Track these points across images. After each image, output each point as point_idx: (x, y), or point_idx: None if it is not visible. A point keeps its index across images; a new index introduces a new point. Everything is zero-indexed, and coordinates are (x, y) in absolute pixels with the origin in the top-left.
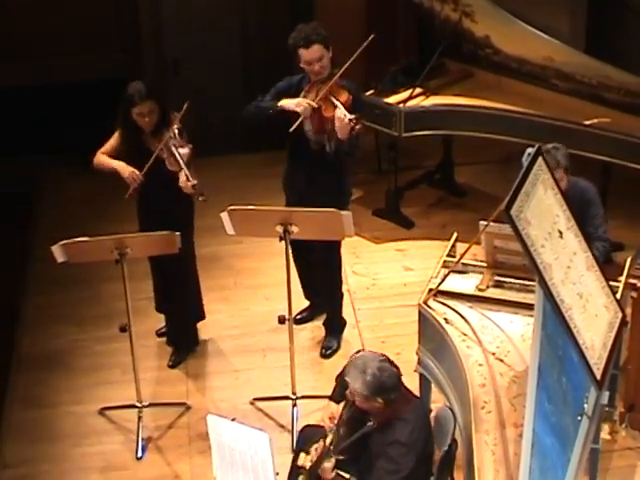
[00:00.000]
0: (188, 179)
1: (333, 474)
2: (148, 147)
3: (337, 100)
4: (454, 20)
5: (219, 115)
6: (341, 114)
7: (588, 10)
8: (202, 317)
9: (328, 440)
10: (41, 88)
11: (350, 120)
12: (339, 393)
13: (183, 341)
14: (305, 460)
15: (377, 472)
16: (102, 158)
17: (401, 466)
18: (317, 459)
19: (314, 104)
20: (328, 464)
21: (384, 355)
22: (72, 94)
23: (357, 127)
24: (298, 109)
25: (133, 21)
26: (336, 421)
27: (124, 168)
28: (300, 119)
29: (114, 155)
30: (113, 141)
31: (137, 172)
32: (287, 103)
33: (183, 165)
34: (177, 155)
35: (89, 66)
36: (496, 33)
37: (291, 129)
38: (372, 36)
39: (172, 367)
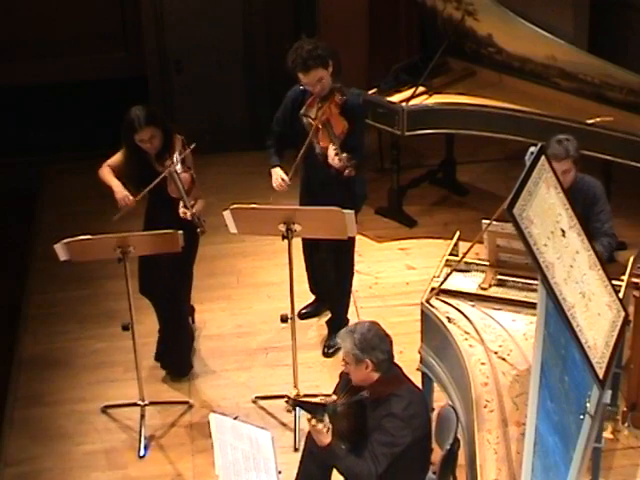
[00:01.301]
0: (187, 208)
1: (329, 437)
2: (153, 168)
3: (333, 131)
4: (457, 18)
5: (222, 113)
6: (333, 152)
7: (591, 9)
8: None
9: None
10: (43, 87)
11: (341, 160)
12: (342, 390)
13: (175, 366)
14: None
15: (371, 445)
16: (105, 172)
17: (396, 439)
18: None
19: (288, 181)
20: (320, 424)
21: (375, 322)
22: (74, 93)
23: (347, 171)
24: (274, 185)
25: (135, 21)
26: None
27: (119, 191)
28: (293, 168)
29: (118, 169)
30: (120, 156)
31: (130, 197)
32: (272, 174)
33: (183, 193)
34: (178, 182)
35: (91, 66)
36: (499, 32)
37: (289, 176)
38: None
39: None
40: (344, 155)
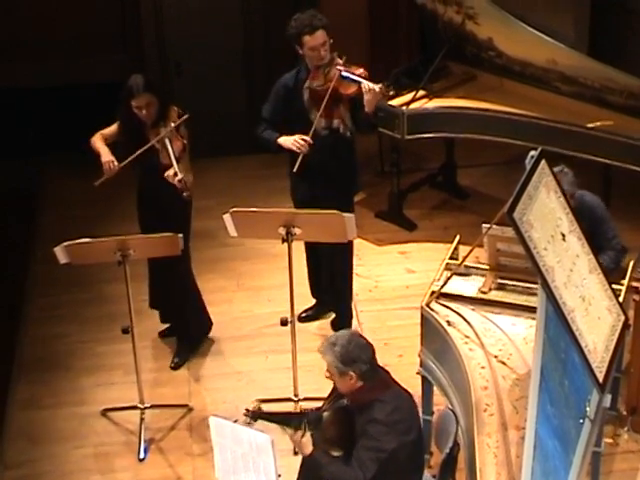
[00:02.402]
0: (176, 174)
1: (308, 446)
2: (146, 139)
3: (355, 74)
4: (457, 22)
5: (221, 116)
6: (369, 85)
7: (591, 13)
8: (198, 313)
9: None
10: (43, 89)
11: (380, 88)
12: (329, 397)
13: (186, 335)
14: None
15: (357, 450)
16: (96, 138)
17: (380, 444)
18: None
19: (309, 140)
20: (298, 433)
21: (356, 331)
22: (74, 95)
23: (391, 93)
24: (294, 147)
25: (135, 23)
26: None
27: (105, 155)
28: (300, 159)
29: (111, 139)
30: (114, 127)
31: (115, 162)
32: (284, 141)
33: (174, 159)
34: (169, 149)
35: (91, 68)
36: (499, 35)
37: (295, 169)
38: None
39: (174, 369)
40: (380, 85)
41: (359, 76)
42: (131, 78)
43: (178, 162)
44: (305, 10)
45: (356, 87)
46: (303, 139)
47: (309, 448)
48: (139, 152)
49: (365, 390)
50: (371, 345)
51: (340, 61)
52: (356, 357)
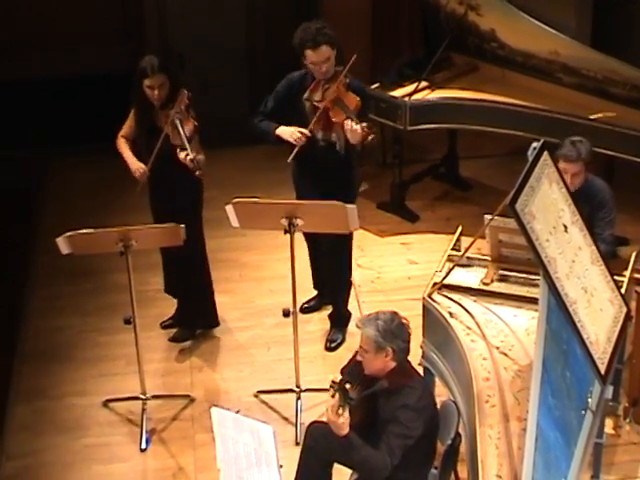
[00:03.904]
0: (187, 154)
1: (347, 426)
2: (158, 125)
3: (347, 106)
4: (460, 13)
5: (224, 107)
6: (352, 125)
7: (594, 4)
8: (210, 299)
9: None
10: (44, 82)
11: (363, 129)
12: (354, 381)
13: (195, 322)
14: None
15: (386, 436)
16: (121, 144)
17: (410, 431)
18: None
19: (307, 133)
20: (341, 419)
21: (396, 312)
22: (76, 88)
23: (371, 137)
24: (291, 139)
25: (138, 16)
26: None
27: (133, 164)
28: (297, 149)
29: (131, 134)
30: (129, 121)
31: (144, 167)
32: (282, 132)
33: (185, 140)
34: (180, 130)
35: (93, 60)
36: (502, 27)
37: (289, 159)
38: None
39: (171, 341)
40: (364, 124)
41: (349, 108)
42: (145, 59)
43: (190, 142)
44: (311, 9)
45: (344, 117)
46: (301, 132)
47: (346, 429)
48: (158, 146)
49: (398, 373)
50: (410, 328)
51: (343, 80)
52: (397, 333)
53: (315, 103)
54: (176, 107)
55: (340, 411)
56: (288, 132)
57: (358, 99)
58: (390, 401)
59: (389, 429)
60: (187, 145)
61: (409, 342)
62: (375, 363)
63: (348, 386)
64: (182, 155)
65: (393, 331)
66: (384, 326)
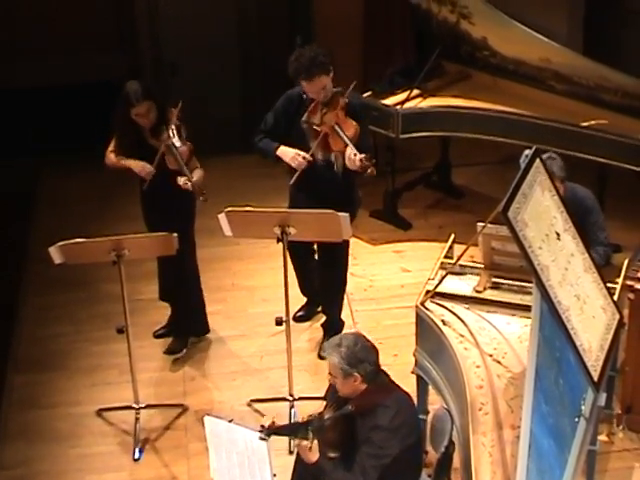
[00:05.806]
0: (188, 179)
1: (315, 454)
2: (148, 143)
3: (346, 135)
4: (451, 22)
5: (217, 115)
6: (352, 154)
7: (586, 12)
8: (203, 307)
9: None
10: (40, 89)
11: (362, 161)
12: (330, 400)
13: (189, 329)
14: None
15: (360, 457)
16: (113, 157)
17: (384, 451)
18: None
19: (309, 158)
20: (305, 442)
21: (360, 333)
22: (70, 95)
23: (369, 170)
24: (293, 164)
25: (130, 24)
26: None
27: (136, 165)
28: (298, 173)
29: (121, 152)
30: (116, 141)
31: (149, 166)
32: (284, 154)
33: (182, 164)
34: (177, 155)
35: (88, 68)
36: (493, 35)
37: (290, 182)
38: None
39: (167, 353)
40: (363, 155)
41: (347, 137)
42: (127, 86)
43: (187, 166)
44: (304, 16)
45: (343, 145)
46: (303, 157)
47: (315, 456)
48: (157, 158)
49: (369, 393)
50: (375, 347)
51: (342, 104)
52: (362, 358)
53: (315, 127)
54: (168, 131)
55: (304, 443)
56: (289, 155)
57: (356, 125)
58: (365, 421)
59: (363, 449)
60: (186, 172)
61: (377, 362)
62: (345, 387)
63: (312, 416)
64: (182, 181)
65: (357, 356)
66: (347, 352)
